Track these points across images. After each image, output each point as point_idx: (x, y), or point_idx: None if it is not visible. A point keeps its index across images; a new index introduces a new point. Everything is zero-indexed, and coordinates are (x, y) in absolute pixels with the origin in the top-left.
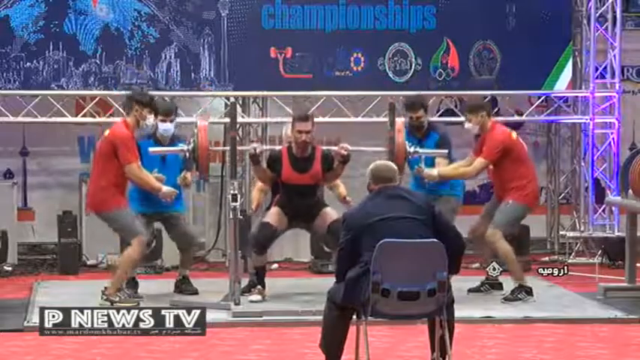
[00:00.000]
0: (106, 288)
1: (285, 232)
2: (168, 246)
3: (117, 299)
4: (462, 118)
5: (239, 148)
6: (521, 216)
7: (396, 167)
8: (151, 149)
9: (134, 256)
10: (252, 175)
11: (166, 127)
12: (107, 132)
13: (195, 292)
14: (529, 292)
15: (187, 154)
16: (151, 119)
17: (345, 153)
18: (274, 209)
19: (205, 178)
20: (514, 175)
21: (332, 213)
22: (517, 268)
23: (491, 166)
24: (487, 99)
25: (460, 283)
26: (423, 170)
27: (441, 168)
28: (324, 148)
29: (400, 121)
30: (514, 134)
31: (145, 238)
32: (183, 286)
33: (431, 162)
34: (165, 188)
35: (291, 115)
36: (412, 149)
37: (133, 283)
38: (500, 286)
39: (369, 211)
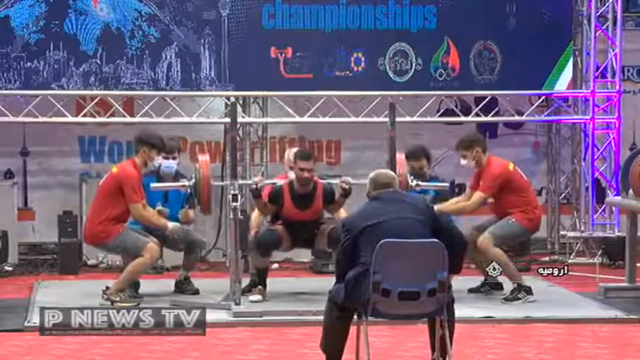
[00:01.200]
0: (107, 287)
1: (287, 251)
2: None
3: (117, 299)
4: (462, 118)
5: (240, 182)
6: (519, 236)
7: (394, 174)
8: (153, 185)
9: (147, 263)
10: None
11: (169, 165)
12: (115, 169)
13: (196, 292)
14: (528, 291)
15: (189, 190)
16: (158, 160)
17: (347, 187)
18: (280, 227)
19: (208, 212)
20: (516, 203)
21: (331, 223)
22: (511, 270)
23: (492, 200)
24: (487, 99)
25: (460, 283)
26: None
27: (441, 204)
28: (326, 182)
29: (402, 159)
30: (511, 166)
31: (155, 244)
32: (184, 286)
33: (432, 201)
34: (172, 224)
35: (293, 114)
36: (414, 183)
37: (133, 283)
38: (500, 287)
39: (369, 214)
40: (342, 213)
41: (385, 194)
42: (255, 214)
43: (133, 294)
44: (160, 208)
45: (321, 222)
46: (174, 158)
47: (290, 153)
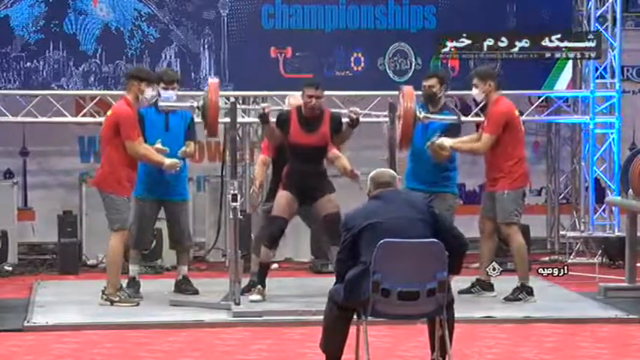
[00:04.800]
0: (105, 288)
1: (293, 217)
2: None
3: (117, 299)
4: (462, 118)
5: (241, 120)
6: (521, 198)
7: (394, 174)
8: (161, 102)
9: (117, 248)
10: (252, 175)
11: (168, 95)
12: (109, 112)
13: (196, 292)
14: (530, 292)
15: (197, 111)
16: (149, 92)
17: (355, 117)
18: (281, 194)
19: (214, 135)
20: (505, 154)
21: (331, 203)
22: (524, 267)
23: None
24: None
25: (460, 283)
26: (435, 143)
27: (453, 141)
28: (333, 110)
29: (410, 90)
30: (516, 111)
31: (127, 232)
32: (184, 286)
33: (442, 134)
34: (168, 161)
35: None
36: (422, 115)
37: (134, 283)
38: (491, 288)
39: (369, 212)
40: (344, 160)
41: (386, 193)
42: (258, 164)
43: (133, 294)
44: (159, 146)
45: (329, 187)
46: (173, 88)
47: (292, 98)
